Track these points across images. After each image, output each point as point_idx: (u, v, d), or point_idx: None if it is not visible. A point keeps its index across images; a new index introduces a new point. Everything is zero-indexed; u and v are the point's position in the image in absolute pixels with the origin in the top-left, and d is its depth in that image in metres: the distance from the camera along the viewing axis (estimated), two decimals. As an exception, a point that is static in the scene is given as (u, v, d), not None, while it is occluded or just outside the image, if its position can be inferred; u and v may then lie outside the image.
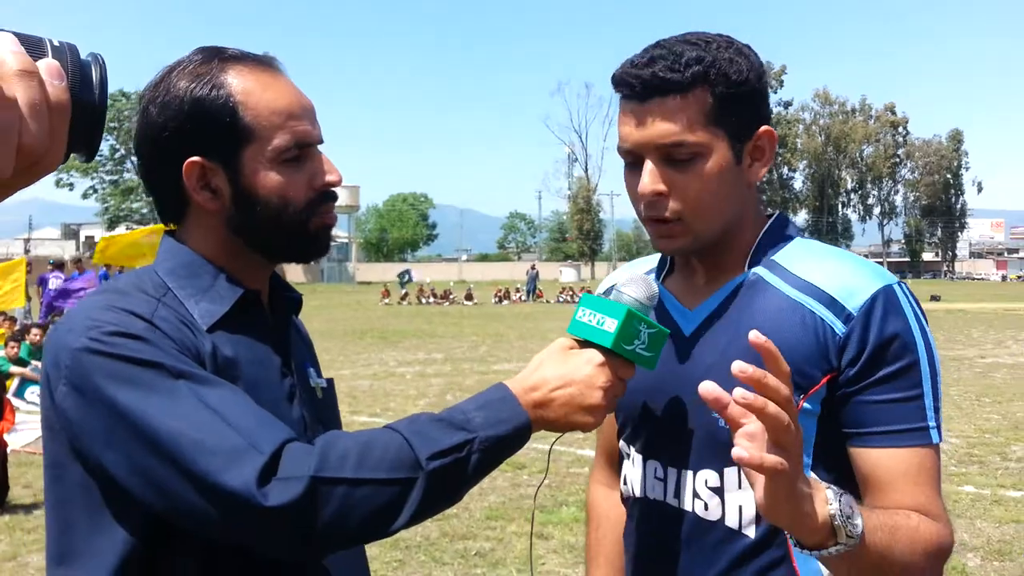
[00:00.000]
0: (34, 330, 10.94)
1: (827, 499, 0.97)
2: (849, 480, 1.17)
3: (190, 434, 0.98)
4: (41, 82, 0.49)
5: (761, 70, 1.20)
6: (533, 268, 43.66)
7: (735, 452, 0.90)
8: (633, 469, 1.33)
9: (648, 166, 1.17)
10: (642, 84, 1.14)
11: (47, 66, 0.50)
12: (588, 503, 1.58)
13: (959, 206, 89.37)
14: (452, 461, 1.03)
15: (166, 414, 0.99)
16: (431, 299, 35.18)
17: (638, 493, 1.32)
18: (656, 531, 1.28)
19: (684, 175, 1.16)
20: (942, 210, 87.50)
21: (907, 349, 1.13)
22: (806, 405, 1.15)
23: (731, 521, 1.20)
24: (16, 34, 0.50)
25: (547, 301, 36.53)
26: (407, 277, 43.09)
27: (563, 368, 1.13)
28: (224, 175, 1.14)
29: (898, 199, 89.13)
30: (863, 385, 1.13)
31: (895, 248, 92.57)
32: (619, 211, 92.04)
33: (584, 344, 1.16)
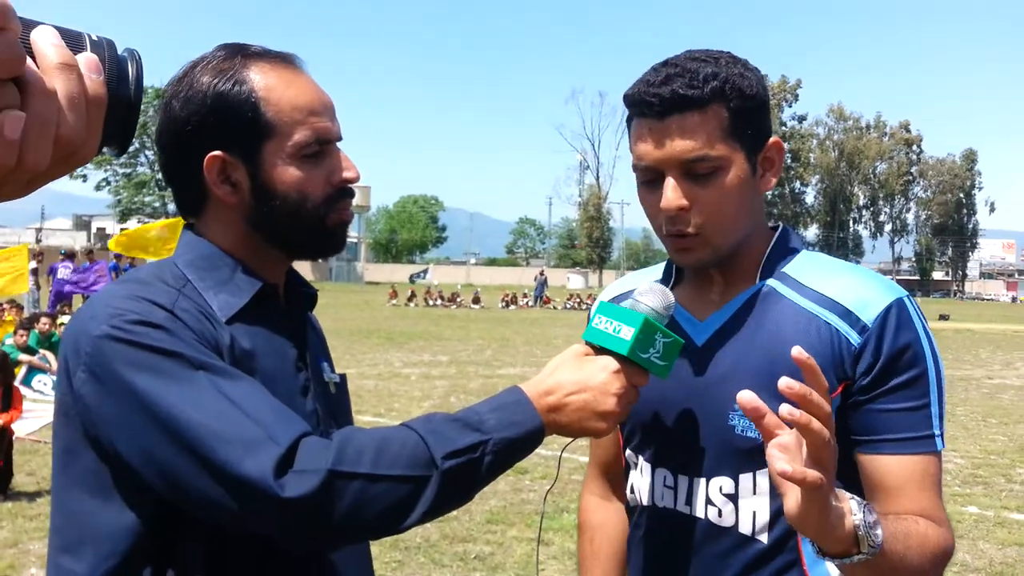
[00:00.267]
0: (43, 319, 10.99)
1: (851, 510, 1.00)
2: (854, 486, 1.19)
3: (209, 423, 0.99)
4: (80, 75, 0.50)
5: (765, 84, 1.24)
6: (542, 274, 43.71)
7: (779, 466, 0.93)
8: (641, 478, 1.34)
9: (670, 182, 1.18)
10: (661, 102, 1.16)
11: (86, 60, 0.51)
12: (581, 515, 1.59)
13: (971, 226, 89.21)
14: (466, 461, 1.04)
15: (185, 402, 1.00)
16: (438, 301, 35.22)
17: (646, 501, 1.32)
18: (666, 539, 1.29)
19: (705, 189, 1.18)
20: (953, 229, 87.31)
21: (917, 359, 1.17)
22: None
23: (745, 527, 1.21)
24: (57, 28, 0.51)
25: (554, 307, 36.53)
26: (422, 276, 43.21)
27: (578, 374, 1.14)
28: (244, 170, 1.16)
29: (910, 217, 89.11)
30: (875, 394, 1.17)
31: (905, 266, 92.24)
32: (628, 220, 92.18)
33: (600, 351, 1.18)
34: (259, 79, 1.15)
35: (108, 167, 59.93)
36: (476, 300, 35.20)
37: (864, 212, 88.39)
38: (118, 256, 17.30)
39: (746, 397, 0.98)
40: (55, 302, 14.21)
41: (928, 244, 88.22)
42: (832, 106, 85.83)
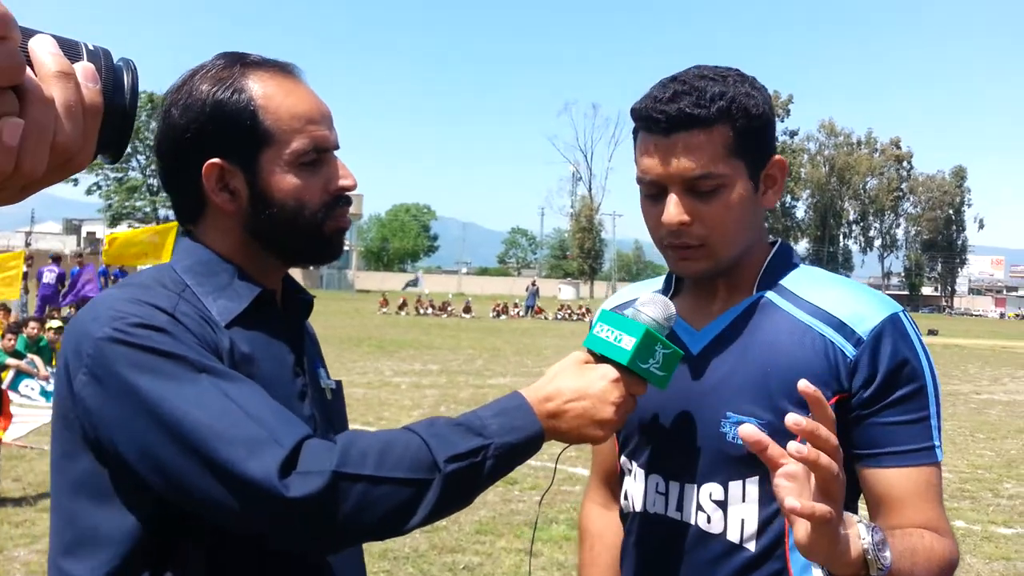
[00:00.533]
0: (31, 323, 10.93)
1: (860, 534, 1.01)
2: (853, 498, 1.21)
3: (212, 424, 0.99)
4: (77, 84, 0.51)
5: (771, 103, 1.25)
6: (534, 284, 43.74)
7: (788, 503, 0.94)
8: (635, 484, 1.35)
9: (672, 197, 1.20)
10: (668, 119, 1.18)
11: (83, 69, 0.52)
12: (581, 522, 1.60)
13: (960, 242, 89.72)
14: (468, 465, 1.05)
15: (189, 404, 1.01)
16: (429, 310, 35.18)
17: (638, 508, 1.34)
18: (656, 545, 1.31)
19: (708, 205, 1.20)
20: (943, 245, 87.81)
21: (916, 373, 1.19)
22: None
23: (733, 535, 1.22)
24: (55, 37, 0.52)
25: (545, 318, 36.53)
26: (414, 284, 43.26)
27: (578, 381, 1.15)
28: (243, 177, 1.17)
29: (899, 232, 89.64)
30: (876, 408, 1.18)
31: (894, 281, 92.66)
32: (620, 231, 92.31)
33: (600, 359, 1.19)
34: (258, 88, 1.16)
35: (99, 171, 59.64)
36: (467, 309, 35.17)
37: (854, 227, 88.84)
38: (108, 264, 17.24)
39: (748, 431, 0.99)
40: (42, 306, 14.14)
41: (917, 260, 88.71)
42: (823, 122, 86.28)
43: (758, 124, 1.20)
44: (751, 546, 1.21)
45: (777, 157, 1.26)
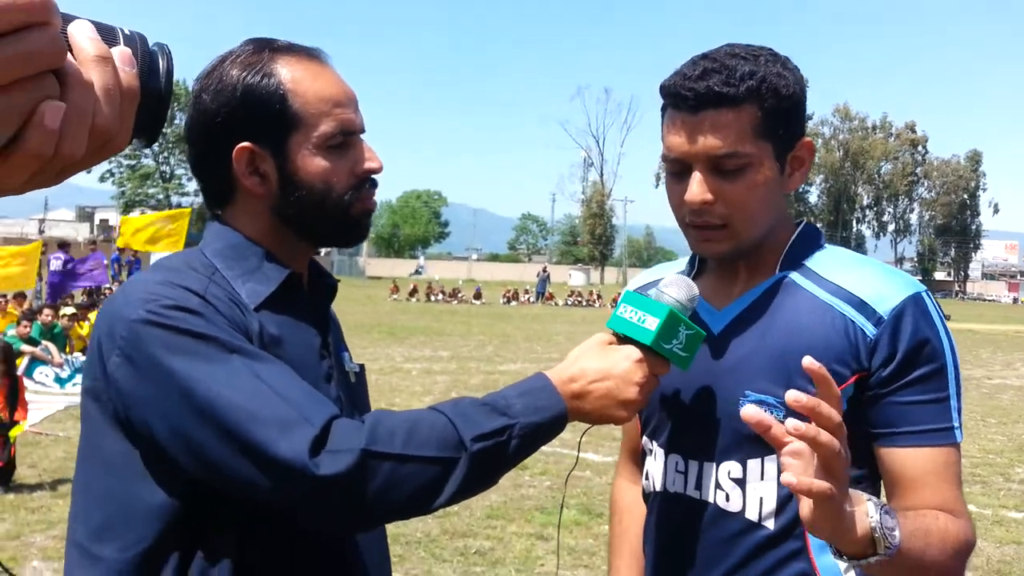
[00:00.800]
0: (45, 310, 11.01)
1: (867, 512, 1.00)
2: (874, 478, 1.21)
3: (244, 404, 1.01)
4: (115, 68, 0.51)
5: (803, 83, 1.23)
6: (544, 271, 43.76)
7: (784, 478, 0.94)
8: (655, 464, 1.36)
9: (696, 176, 1.20)
10: (696, 96, 1.17)
11: (120, 53, 0.52)
12: (613, 498, 1.63)
13: (974, 227, 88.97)
14: (493, 444, 1.07)
15: (221, 384, 1.02)
16: (440, 296, 35.23)
17: (659, 487, 1.35)
18: (676, 523, 1.31)
19: (732, 184, 1.19)
20: (957, 230, 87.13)
21: (937, 353, 1.18)
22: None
23: (751, 513, 1.23)
24: (92, 22, 0.53)
25: (556, 304, 36.52)
26: (419, 271, 43.42)
27: (602, 362, 1.16)
28: (272, 161, 1.19)
29: (913, 217, 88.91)
30: (895, 387, 1.17)
31: (907, 266, 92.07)
32: (631, 217, 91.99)
33: (623, 339, 1.20)
34: (286, 72, 1.18)
35: (112, 158, 59.90)
36: (478, 296, 35.21)
37: (868, 212, 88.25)
38: (121, 249, 17.32)
39: (749, 411, 0.99)
40: (51, 293, 14.22)
41: (931, 244, 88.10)
42: (838, 106, 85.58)
43: (787, 105, 1.19)
44: (769, 524, 1.21)
45: (806, 139, 1.24)
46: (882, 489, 1.26)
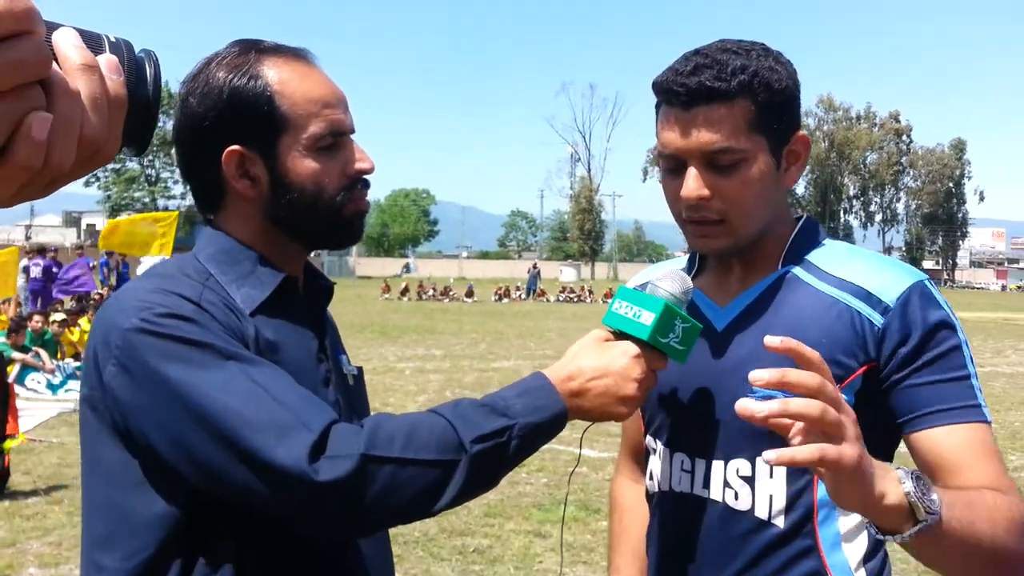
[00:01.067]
0: (36, 317, 10.95)
1: (899, 478, 0.95)
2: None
3: (242, 411, 1.01)
4: (101, 77, 0.50)
5: (796, 78, 1.23)
6: (535, 267, 43.77)
7: (764, 455, 0.91)
8: (659, 463, 1.35)
9: (692, 171, 1.19)
10: (688, 92, 1.17)
11: (106, 61, 0.52)
12: (612, 496, 1.62)
13: (960, 215, 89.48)
14: (493, 445, 1.06)
15: (218, 392, 1.02)
16: (431, 294, 35.18)
17: (664, 487, 1.34)
18: (682, 523, 1.29)
19: (727, 180, 1.19)
20: (943, 218, 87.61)
21: (950, 333, 1.17)
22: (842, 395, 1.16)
23: (761, 511, 1.21)
24: (77, 29, 0.52)
25: (547, 300, 36.54)
26: (406, 270, 43.34)
27: (599, 359, 1.16)
28: (262, 163, 1.18)
29: (900, 207, 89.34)
30: (911, 369, 1.16)
31: (896, 255, 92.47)
32: (620, 212, 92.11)
33: (619, 335, 1.19)
34: (273, 74, 1.17)
35: (97, 163, 59.32)
36: (469, 294, 35.17)
37: (854, 202, 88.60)
38: (109, 253, 17.24)
39: (743, 405, 0.94)
40: (34, 300, 14.13)
41: (918, 233, 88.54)
42: (822, 96, 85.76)
43: (780, 99, 1.19)
44: (779, 522, 1.20)
45: (801, 134, 1.24)
46: None
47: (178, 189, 62.51)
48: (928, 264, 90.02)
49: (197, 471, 1.03)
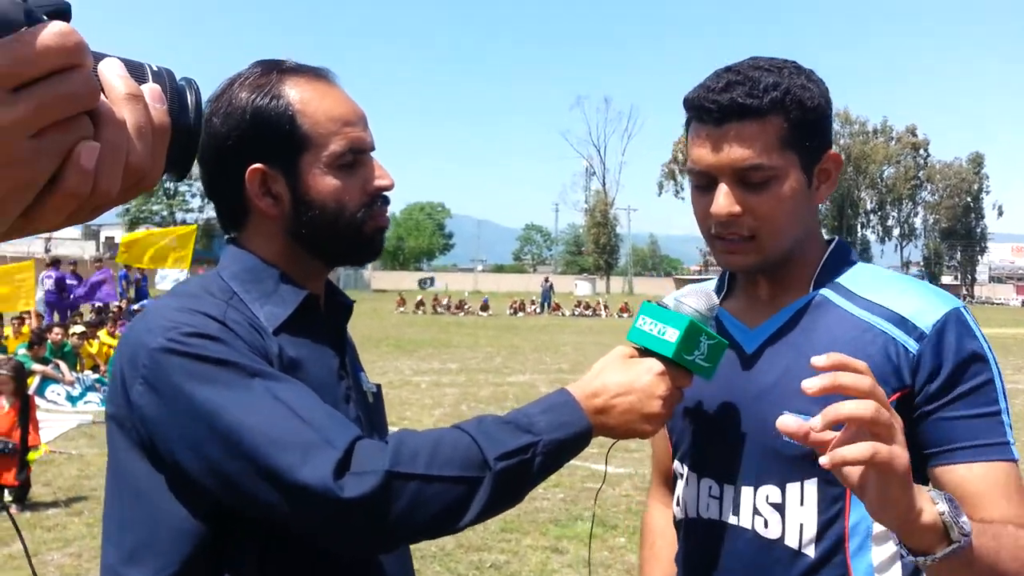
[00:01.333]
0: (56, 329, 11.05)
1: (934, 499, 0.96)
2: None
3: (267, 430, 1.02)
4: (146, 106, 0.52)
5: (828, 96, 1.23)
6: (547, 281, 43.81)
7: (821, 460, 0.91)
8: (687, 489, 1.34)
9: (723, 188, 1.19)
10: (720, 109, 1.17)
11: (150, 90, 0.53)
12: (644, 521, 1.61)
13: (979, 229, 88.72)
14: (517, 462, 1.07)
15: (244, 410, 1.03)
16: (446, 308, 35.23)
17: (691, 513, 1.32)
18: (710, 551, 1.27)
19: (758, 197, 1.19)
20: (962, 233, 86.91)
21: (983, 368, 1.16)
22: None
23: (791, 540, 1.19)
24: (121, 59, 0.53)
25: (563, 314, 36.51)
26: (429, 283, 43.54)
27: (624, 376, 1.16)
28: (284, 181, 1.20)
29: (917, 221, 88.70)
30: (944, 402, 1.14)
31: (914, 271, 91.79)
32: (635, 226, 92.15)
33: (644, 352, 1.19)
34: (294, 93, 1.19)
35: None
36: (484, 307, 35.21)
37: (872, 217, 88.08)
38: (127, 266, 17.37)
39: (785, 422, 0.95)
40: (50, 312, 14.26)
41: (936, 248, 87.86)
42: (838, 111, 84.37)
43: (813, 117, 1.19)
44: (810, 551, 1.18)
45: (832, 152, 1.24)
46: None
47: (196, 202, 63.07)
48: (947, 279, 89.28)
49: (223, 488, 1.05)
